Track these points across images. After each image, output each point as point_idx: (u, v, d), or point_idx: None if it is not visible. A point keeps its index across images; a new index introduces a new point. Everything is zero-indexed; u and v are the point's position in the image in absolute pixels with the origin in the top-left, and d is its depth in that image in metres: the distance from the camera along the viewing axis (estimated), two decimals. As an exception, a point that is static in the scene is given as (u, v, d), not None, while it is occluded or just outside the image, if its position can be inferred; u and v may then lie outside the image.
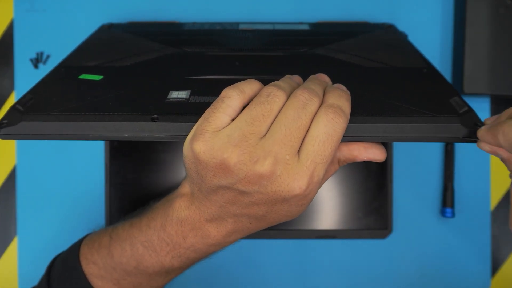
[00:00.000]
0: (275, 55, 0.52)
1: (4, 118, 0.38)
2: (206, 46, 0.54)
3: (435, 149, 0.64)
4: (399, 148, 0.64)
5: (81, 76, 0.46)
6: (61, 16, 0.65)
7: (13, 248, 0.64)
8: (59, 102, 0.40)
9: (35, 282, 0.51)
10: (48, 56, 0.64)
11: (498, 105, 0.64)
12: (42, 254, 0.63)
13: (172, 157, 0.62)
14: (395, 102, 0.40)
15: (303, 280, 0.64)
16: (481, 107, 0.64)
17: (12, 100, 0.65)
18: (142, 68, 0.48)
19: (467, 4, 0.61)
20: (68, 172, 0.64)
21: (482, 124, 0.37)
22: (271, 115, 0.35)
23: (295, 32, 0.59)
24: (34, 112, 0.39)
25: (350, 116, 0.37)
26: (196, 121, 0.37)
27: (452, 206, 0.63)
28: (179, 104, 0.39)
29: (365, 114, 0.38)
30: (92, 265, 0.47)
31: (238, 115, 0.36)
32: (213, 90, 0.38)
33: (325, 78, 0.41)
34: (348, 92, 0.39)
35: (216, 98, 0.37)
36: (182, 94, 0.41)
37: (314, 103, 0.36)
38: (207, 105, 0.37)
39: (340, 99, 0.37)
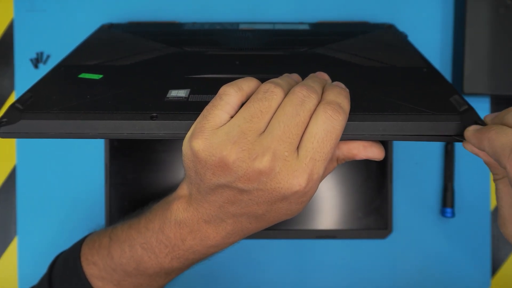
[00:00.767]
0: (275, 54, 0.52)
1: (3, 116, 0.38)
2: (206, 45, 0.54)
3: (435, 149, 0.64)
4: (399, 148, 0.64)
5: (81, 75, 0.46)
6: (61, 16, 0.65)
7: (13, 248, 0.64)
8: (59, 100, 0.40)
9: (35, 282, 0.51)
10: (48, 56, 0.64)
11: (498, 105, 0.64)
12: (42, 254, 0.63)
13: (172, 157, 0.62)
14: (394, 101, 0.39)
15: (303, 280, 0.64)
16: (481, 107, 0.64)
17: (12, 100, 0.65)
18: (142, 67, 0.48)
19: (467, 4, 0.61)
20: (68, 172, 0.64)
21: (483, 122, 0.37)
22: (269, 112, 0.35)
23: (295, 32, 0.59)
24: (33, 111, 0.39)
25: (350, 114, 0.37)
26: (195, 120, 0.37)
27: (452, 206, 0.63)
28: (178, 103, 0.39)
29: (364, 112, 0.38)
30: (93, 266, 0.47)
31: (236, 112, 0.36)
32: (213, 89, 0.38)
33: (324, 76, 0.41)
34: (347, 89, 0.39)
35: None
36: (181, 93, 0.41)
37: (313, 100, 0.36)
38: (206, 104, 0.37)
39: (339, 96, 0.37)
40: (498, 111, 0.37)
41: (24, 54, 0.64)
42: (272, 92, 0.36)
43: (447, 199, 0.63)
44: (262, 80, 0.38)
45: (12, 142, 0.64)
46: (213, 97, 0.37)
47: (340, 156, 0.40)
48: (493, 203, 0.64)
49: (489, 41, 0.61)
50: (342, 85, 0.39)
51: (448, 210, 0.63)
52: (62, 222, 0.64)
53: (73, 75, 0.46)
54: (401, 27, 0.63)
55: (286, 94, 0.36)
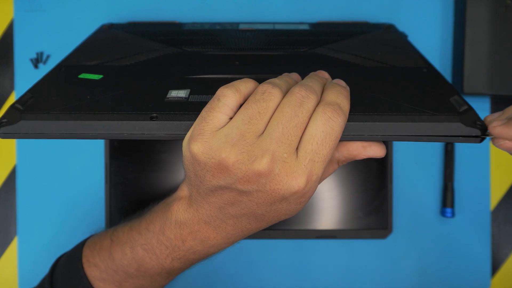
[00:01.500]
0: (275, 54, 0.52)
1: (3, 117, 0.38)
2: (206, 46, 0.54)
3: (435, 149, 0.64)
4: (399, 148, 0.64)
5: (81, 75, 0.46)
6: (61, 16, 0.65)
7: (13, 248, 0.64)
8: (59, 101, 0.40)
9: (35, 282, 0.51)
10: (48, 56, 0.64)
11: (498, 105, 0.64)
12: (42, 254, 0.63)
13: (172, 157, 0.62)
14: (394, 101, 0.39)
15: (303, 280, 0.64)
16: (481, 107, 0.64)
17: (12, 100, 0.65)
18: (142, 68, 0.48)
19: (467, 4, 0.61)
20: (68, 172, 0.64)
21: (482, 122, 0.37)
22: (267, 113, 0.35)
23: (295, 32, 0.59)
24: (33, 111, 0.39)
25: (350, 114, 0.37)
26: (195, 120, 0.37)
27: (452, 206, 0.63)
28: (178, 103, 0.39)
29: (364, 113, 0.38)
30: (94, 268, 0.47)
31: (235, 113, 0.36)
32: (213, 89, 0.38)
33: (324, 75, 0.41)
34: (348, 87, 0.38)
35: None
36: (181, 93, 0.41)
37: (312, 100, 0.35)
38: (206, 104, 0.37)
39: (339, 96, 0.36)
40: (498, 111, 0.37)
41: (24, 54, 0.64)
42: (270, 93, 0.35)
43: (447, 199, 0.63)
44: (262, 80, 0.38)
45: (12, 142, 0.64)
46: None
47: (341, 158, 0.40)
48: (493, 203, 0.64)
49: (489, 41, 0.61)
50: (343, 83, 0.39)
51: (448, 210, 0.63)
52: (62, 222, 0.64)
53: (73, 75, 0.46)
54: (401, 27, 0.63)
55: (284, 95, 0.36)
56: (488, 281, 0.64)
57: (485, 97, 0.64)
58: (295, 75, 0.41)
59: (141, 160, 0.62)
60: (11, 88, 0.65)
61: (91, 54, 0.51)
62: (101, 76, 0.45)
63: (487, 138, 0.38)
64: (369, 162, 0.62)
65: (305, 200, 0.37)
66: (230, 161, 0.34)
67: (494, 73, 0.61)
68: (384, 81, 0.45)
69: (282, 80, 0.37)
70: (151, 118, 0.37)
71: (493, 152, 0.64)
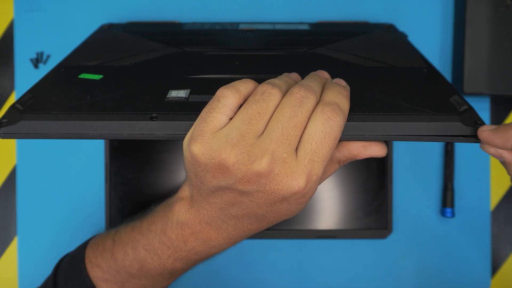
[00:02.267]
0: (275, 54, 0.52)
1: (3, 117, 0.38)
2: (206, 46, 0.54)
3: (435, 149, 0.64)
4: (399, 148, 0.64)
5: (81, 76, 0.46)
6: (61, 16, 0.65)
7: (13, 248, 0.64)
8: (59, 101, 0.40)
9: (35, 282, 0.51)
10: (48, 56, 0.64)
11: (498, 105, 0.64)
12: (42, 254, 0.63)
13: (172, 157, 0.62)
14: (394, 101, 0.39)
15: (303, 280, 0.64)
16: (481, 107, 0.64)
17: (12, 100, 0.65)
18: (142, 68, 0.48)
19: (467, 4, 0.61)
20: (68, 172, 0.64)
21: (483, 122, 0.37)
22: (267, 113, 0.35)
23: (295, 32, 0.59)
24: (33, 111, 0.39)
25: (350, 115, 0.37)
26: (195, 120, 0.37)
27: (452, 206, 0.63)
28: (178, 103, 0.39)
29: (364, 112, 0.38)
30: (97, 268, 0.47)
31: (234, 114, 0.36)
32: (213, 89, 0.38)
33: (324, 74, 0.41)
34: (348, 87, 0.39)
35: None
36: (181, 93, 0.41)
37: (311, 100, 0.35)
38: (206, 104, 0.37)
39: (339, 96, 0.36)
40: (498, 111, 0.37)
41: (24, 54, 0.64)
42: (269, 93, 0.35)
43: (447, 199, 0.63)
44: (262, 80, 0.38)
45: (12, 142, 0.64)
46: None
47: (342, 158, 0.40)
48: (493, 203, 0.64)
49: (489, 41, 0.61)
50: (343, 83, 0.39)
51: (448, 210, 0.63)
52: (62, 222, 0.64)
53: (73, 75, 0.46)
54: (401, 27, 0.63)
55: (284, 95, 0.36)
56: (488, 281, 0.64)
57: (485, 97, 0.64)
58: (295, 75, 0.41)
59: (141, 160, 0.62)
60: (11, 88, 0.65)
61: (91, 54, 0.51)
62: (101, 76, 0.45)
63: None
64: (369, 162, 0.62)
65: (305, 200, 0.37)
66: (230, 162, 0.34)
67: (494, 73, 0.61)
68: (384, 81, 0.45)
69: (282, 80, 0.37)
70: (151, 118, 0.38)
71: (493, 152, 0.64)
